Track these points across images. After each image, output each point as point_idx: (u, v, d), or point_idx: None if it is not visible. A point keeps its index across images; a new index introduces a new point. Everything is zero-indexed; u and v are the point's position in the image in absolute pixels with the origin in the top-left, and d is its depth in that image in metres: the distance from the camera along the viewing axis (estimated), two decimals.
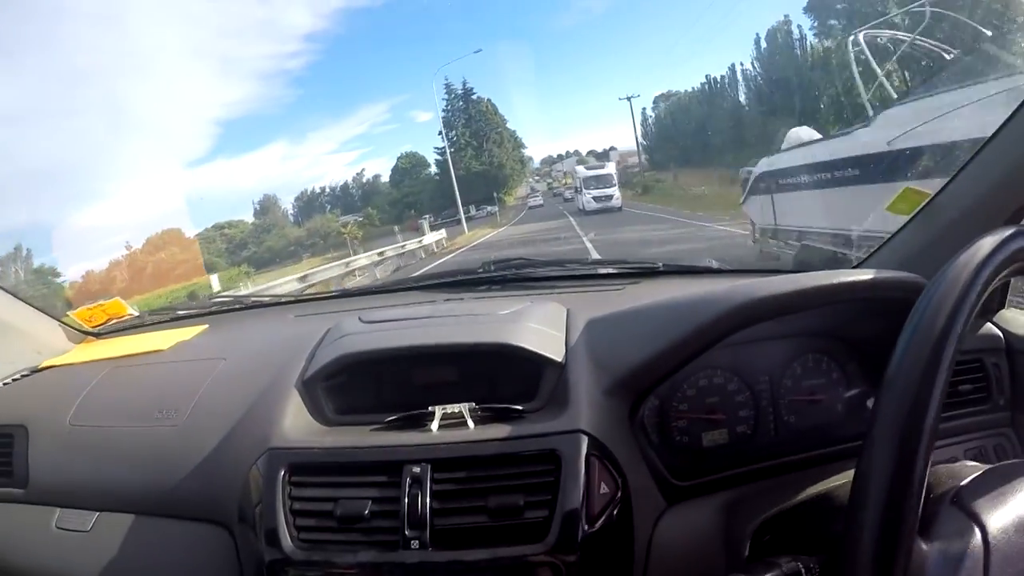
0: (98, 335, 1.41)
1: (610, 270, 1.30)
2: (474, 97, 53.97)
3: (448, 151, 50.84)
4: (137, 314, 1.45)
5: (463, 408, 0.85)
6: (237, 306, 1.49)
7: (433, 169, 53.00)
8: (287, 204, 63.44)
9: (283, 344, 1.07)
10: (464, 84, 54.10)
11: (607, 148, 60.59)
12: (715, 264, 1.35)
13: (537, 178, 64.46)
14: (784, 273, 0.93)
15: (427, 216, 45.12)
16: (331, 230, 53.48)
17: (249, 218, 55.08)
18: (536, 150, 63.36)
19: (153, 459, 0.96)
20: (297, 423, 0.89)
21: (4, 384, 1.22)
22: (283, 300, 1.48)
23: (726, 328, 0.80)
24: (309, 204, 67.03)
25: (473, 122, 52.95)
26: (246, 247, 56.41)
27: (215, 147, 65.89)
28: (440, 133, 53.17)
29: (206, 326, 1.32)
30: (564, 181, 56.64)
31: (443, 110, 53.58)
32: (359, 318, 1.06)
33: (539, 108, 77.18)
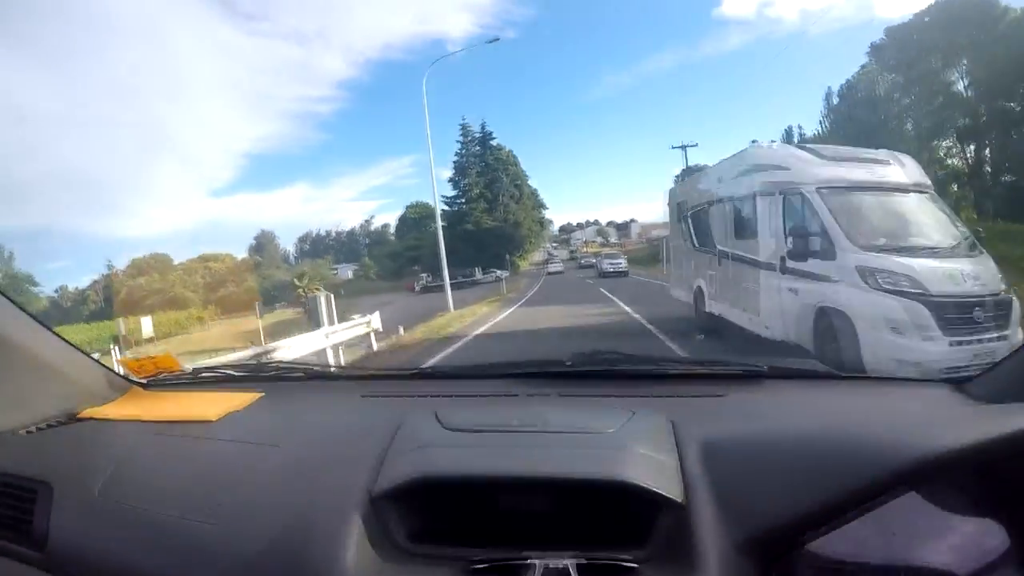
0: (145, 386, 1.34)
1: (709, 371, 1.17)
2: (493, 143, 47.79)
3: (442, 207, 44.92)
4: (189, 370, 1.39)
5: (569, 565, 0.74)
6: (298, 375, 1.38)
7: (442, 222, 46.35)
8: (289, 244, 60.63)
9: (347, 437, 0.98)
10: (483, 127, 48.08)
11: (628, 220, 60.55)
12: (821, 367, 1.24)
13: (555, 244, 62.64)
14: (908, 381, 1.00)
15: (424, 275, 38.28)
16: (320, 276, 49.99)
17: (242, 253, 53.15)
18: (554, 217, 60.11)
19: (183, 560, 0.85)
20: (363, 555, 0.78)
21: (37, 429, 1.14)
22: (348, 374, 1.42)
23: (892, 489, 0.75)
24: (314, 246, 62.89)
25: (489, 171, 46.61)
26: (224, 285, 51.86)
27: (239, 179, 68.29)
28: (451, 180, 46.59)
29: (261, 395, 1.22)
30: (584, 249, 54.74)
31: (456, 154, 47.38)
32: (437, 417, 0.95)
33: (562, 172, 77.18)
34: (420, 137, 61.19)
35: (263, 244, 59.33)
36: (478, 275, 39.61)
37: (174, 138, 60.49)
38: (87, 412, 1.20)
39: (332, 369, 1.50)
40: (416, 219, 51.65)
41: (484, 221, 44.57)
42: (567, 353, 1.26)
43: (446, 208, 46.22)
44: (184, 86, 62.84)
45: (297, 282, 40.71)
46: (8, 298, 1.06)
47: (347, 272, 54.60)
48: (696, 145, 30.67)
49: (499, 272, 40.36)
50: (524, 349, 7.88)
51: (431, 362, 4.74)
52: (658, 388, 1.11)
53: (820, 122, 27.60)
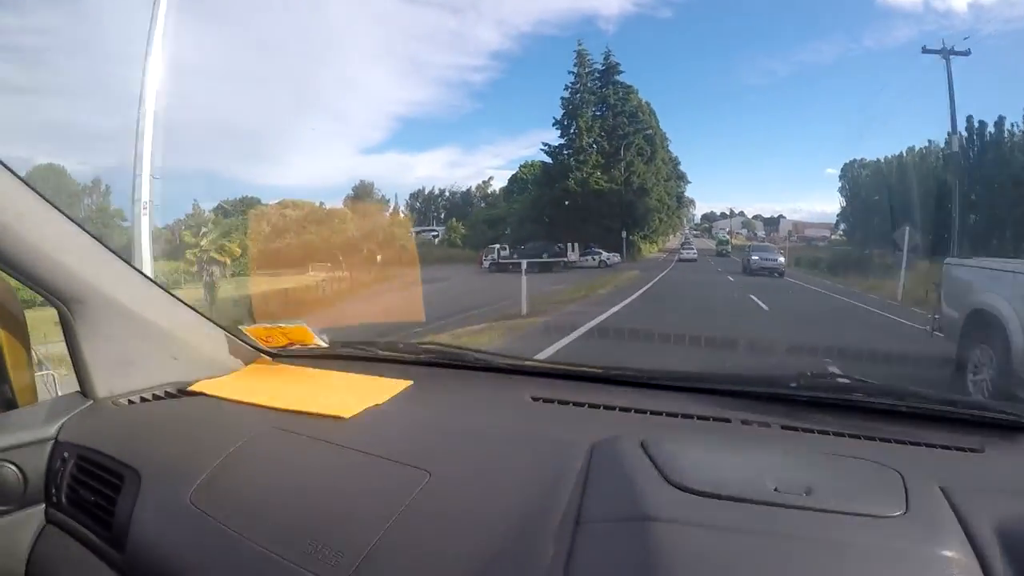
0: (273, 356, 1.24)
1: (963, 413, 0.95)
2: (619, 79, 34.66)
3: (542, 159, 33.62)
4: (327, 344, 1.26)
5: None
6: (456, 362, 1.21)
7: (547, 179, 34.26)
8: (400, 200, 55.83)
9: (521, 460, 0.78)
10: (607, 56, 34.91)
11: (776, 215, 57.60)
12: None
13: (696, 232, 59.71)
14: None
15: (496, 247, 27.53)
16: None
17: (337, 203, 48.68)
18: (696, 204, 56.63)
19: None
20: None
21: (141, 400, 1.04)
22: (515, 366, 1.16)
23: None
24: (426, 204, 57.69)
25: (611, 114, 33.92)
26: (284, 235, 47.07)
27: (390, 140, 71.32)
28: (556, 122, 34.46)
29: (408, 383, 1.06)
30: (733, 240, 49.63)
31: (566, 88, 34.91)
32: (648, 453, 0.73)
33: (706, 159, 73.51)
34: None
35: (360, 196, 52.71)
36: (571, 255, 27.72)
37: (327, 97, 61.93)
38: (200, 385, 1.08)
39: (497, 358, 1.13)
40: (526, 179, 41.27)
41: (595, 180, 32.24)
42: (788, 369, 1.06)
43: (547, 161, 34.46)
44: (340, 49, 62.93)
45: None
46: (119, 256, 0.98)
47: (430, 235, 47.10)
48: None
49: (607, 255, 28.08)
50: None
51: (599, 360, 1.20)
52: (892, 427, 0.91)
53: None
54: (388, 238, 43.81)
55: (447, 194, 54.55)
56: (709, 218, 65.18)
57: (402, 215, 49.09)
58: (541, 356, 5.49)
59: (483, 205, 53.72)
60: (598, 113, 33.99)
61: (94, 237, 0.96)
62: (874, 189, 33.22)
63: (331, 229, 46.28)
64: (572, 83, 33.93)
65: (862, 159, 37.64)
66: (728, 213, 62.96)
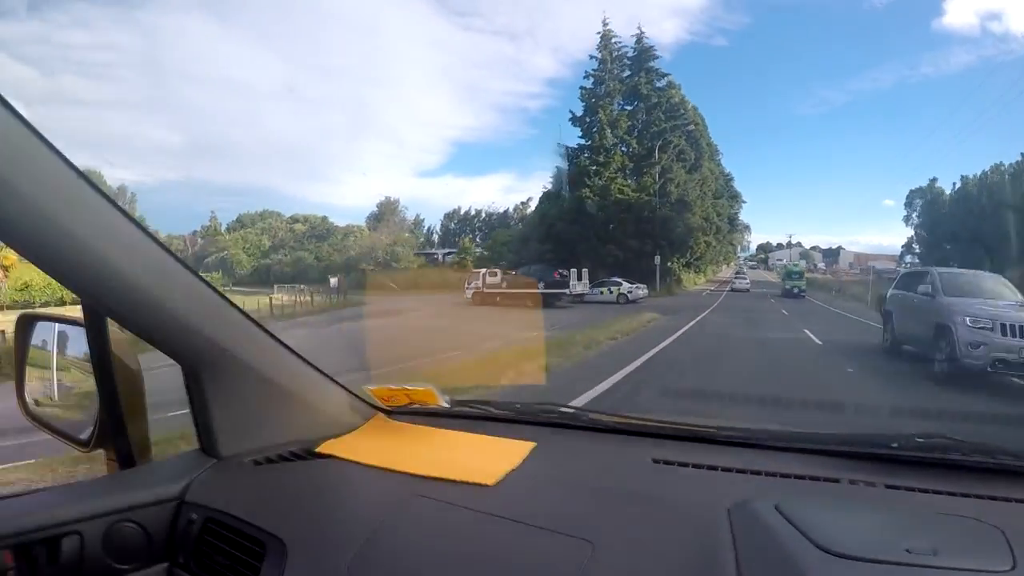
0: (389, 413, 1.24)
1: None
2: (653, 65, 27.67)
3: (558, 165, 27.11)
4: (447, 404, 1.25)
5: None
6: (573, 423, 1.23)
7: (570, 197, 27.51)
8: (434, 221, 53.72)
9: (669, 526, 0.78)
10: (639, 38, 28.06)
11: (835, 247, 57.12)
12: None
13: (753, 263, 58.21)
14: None
15: (483, 272, 21.15)
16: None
17: (360, 222, 49.26)
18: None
19: None
20: None
21: (266, 460, 1.02)
22: (636, 427, 1.18)
23: None
24: (461, 225, 53.63)
25: (644, 108, 27.00)
26: (280, 250, 44.33)
27: (446, 163, 74.17)
28: (574, 118, 27.70)
29: (533, 445, 1.06)
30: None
31: (587, 75, 28.15)
32: (780, 510, 0.76)
33: (761, 189, 74.87)
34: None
35: (383, 213, 50.36)
36: (576, 285, 20.63)
37: (384, 120, 67.19)
38: (328, 446, 1.06)
39: (612, 419, 1.17)
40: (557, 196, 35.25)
41: (619, 187, 25.32)
42: (888, 429, 1.16)
43: (560, 166, 27.72)
44: (397, 74, 66.51)
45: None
46: (242, 312, 0.99)
47: (439, 256, 42.51)
48: None
49: (629, 286, 20.94)
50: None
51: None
52: (988, 484, 0.92)
53: None
54: (391, 257, 39.52)
55: (483, 214, 50.93)
56: (765, 248, 64.40)
57: (407, 235, 46.01)
58: None
59: (519, 226, 48.52)
60: (626, 106, 27.23)
61: (220, 295, 0.94)
62: (951, 216, 32.37)
63: (332, 246, 43.65)
64: (595, 69, 27.37)
65: (932, 183, 36.79)
66: (787, 244, 61.31)
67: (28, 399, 1.08)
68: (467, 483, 0.90)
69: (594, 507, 0.84)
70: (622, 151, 26.31)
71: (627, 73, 27.23)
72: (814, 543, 0.68)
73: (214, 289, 0.93)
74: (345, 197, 72.75)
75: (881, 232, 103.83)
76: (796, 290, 24.92)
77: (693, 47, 53.45)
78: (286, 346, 1.06)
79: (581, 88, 27.54)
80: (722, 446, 1.06)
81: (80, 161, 0.71)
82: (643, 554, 0.71)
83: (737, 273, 37.93)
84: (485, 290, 20.16)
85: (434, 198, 79.56)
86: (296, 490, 0.95)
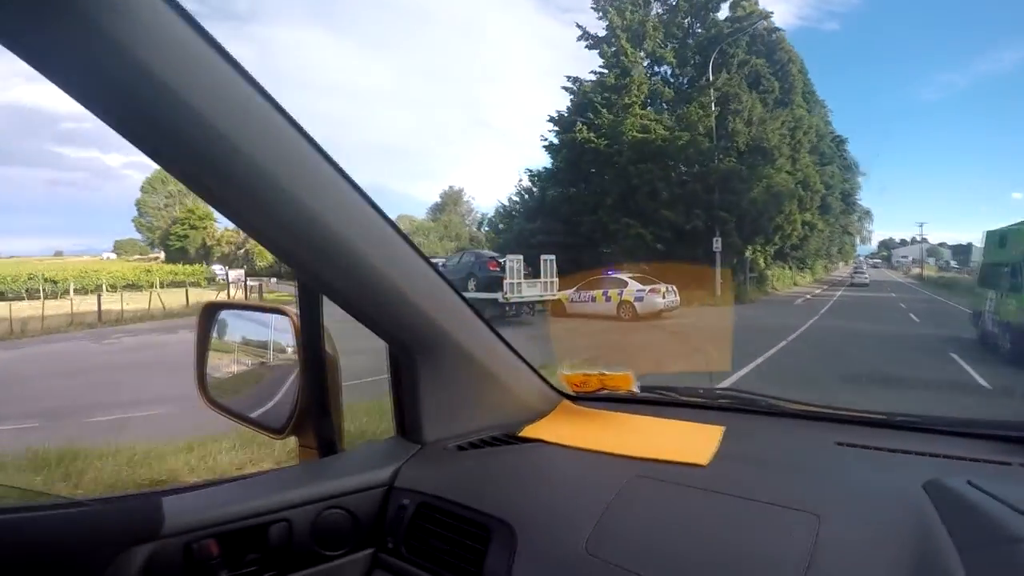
0: (574, 399, 1.25)
1: None
2: None
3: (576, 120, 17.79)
4: (637, 390, 1.26)
5: None
6: (755, 408, 1.24)
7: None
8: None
9: (873, 502, 0.79)
10: None
11: (966, 243, 52.92)
12: None
13: (875, 261, 55.72)
14: None
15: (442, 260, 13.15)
16: None
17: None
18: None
19: None
20: None
21: (470, 445, 1.03)
22: (817, 413, 1.18)
23: None
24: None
25: (688, 7, 17.29)
26: None
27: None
28: (584, 35, 18.55)
29: (723, 428, 1.07)
30: (916, 270, 44.23)
31: None
32: (975, 485, 0.77)
33: (879, 180, 68.65)
34: None
35: (446, 204, 46.99)
36: (520, 286, 11.55)
37: (493, 119, 69.51)
38: (530, 430, 1.09)
39: (792, 404, 1.18)
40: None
41: (634, 122, 15.84)
42: None
43: (582, 120, 18.53)
44: (504, 72, 69.15)
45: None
46: (458, 293, 0.99)
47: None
48: None
49: (640, 290, 11.71)
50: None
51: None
52: None
53: None
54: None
55: None
56: (887, 245, 61.85)
57: (466, 228, 42.36)
58: None
59: None
60: (663, 11, 17.66)
61: (439, 274, 0.94)
62: None
63: None
64: None
65: None
66: (913, 239, 56.72)
67: (209, 387, 1.08)
68: (681, 463, 0.92)
69: (801, 483, 0.86)
70: (652, 74, 16.84)
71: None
72: (1020, 512, 0.69)
73: (434, 268, 0.92)
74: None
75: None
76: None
77: (803, 33, 51.07)
78: (494, 331, 1.07)
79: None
80: (895, 430, 1.07)
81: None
82: (862, 526, 0.73)
83: (856, 270, 33.74)
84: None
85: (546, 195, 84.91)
86: (513, 474, 0.96)
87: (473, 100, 69.36)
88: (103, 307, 17.44)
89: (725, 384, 5.38)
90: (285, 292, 25.83)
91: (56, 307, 18.13)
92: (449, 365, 1.01)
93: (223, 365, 1.12)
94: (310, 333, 0.95)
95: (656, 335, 8.63)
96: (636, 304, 11.17)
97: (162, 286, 27.71)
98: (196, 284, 28.37)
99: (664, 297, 11.40)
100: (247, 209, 0.70)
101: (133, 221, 45.99)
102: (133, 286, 28.48)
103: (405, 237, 0.86)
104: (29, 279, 26.90)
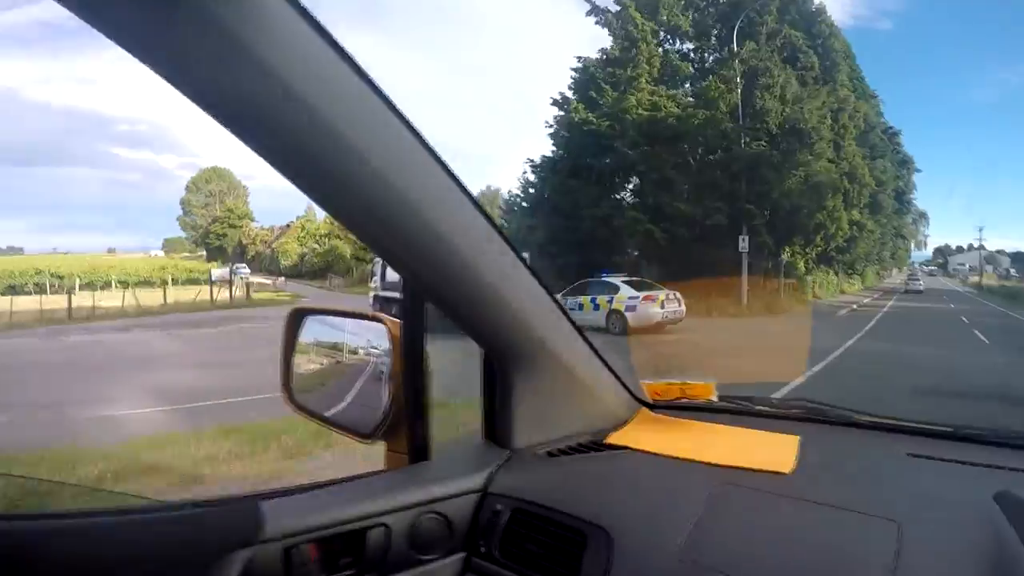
0: (652, 407, 1.26)
1: None
2: None
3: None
4: (716, 399, 1.30)
5: None
6: (827, 418, 1.26)
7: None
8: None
9: (946, 512, 0.82)
10: None
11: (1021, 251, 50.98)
12: None
13: (932, 269, 55.22)
14: None
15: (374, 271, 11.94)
16: None
17: None
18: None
19: None
20: None
21: (559, 451, 1.05)
22: (887, 424, 1.20)
23: None
24: None
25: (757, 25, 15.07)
26: (312, 241, 40.83)
27: None
28: (594, 8, 16.47)
29: (798, 438, 1.08)
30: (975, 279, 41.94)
31: None
32: None
33: (934, 184, 69.58)
34: None
35: (483, 203, 47.14)
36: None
37: (533, 117, 65.18)
38: (615, 437, 1.10)
39: (863, 416, 1.19)
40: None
41: (640, 98, 13.70)
42: None
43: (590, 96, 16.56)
44: (551, 73, 67.14)
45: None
46: (553, 298, 0.98)
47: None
48: None
49: (633, 297, 9.66)
50: None
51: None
52: None
53: None
54: None
55: None
56: (943, 252, 60.13)
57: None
58: None
59: None
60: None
61: (537, 279, 0.94)
62: None
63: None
64: None
65: None
66: (970, 247, 53.46)
67: (294, 390, 1.12)
68: (766, 471, 0.94)
69: (879, 492, 0.89)
70: (668, 48, 14.66)
71: None
72: None
73: (533, 273, 0.93)
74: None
75: None
76: None
77: (856, 33, 48.25)
78: (585, 337, 1.07)
79: None
80: (964, 443, 1.09)
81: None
82: (940, 534, 0.76)
83: (910, 276, 33.03)
84: (382, 293, 10.96)
85: None
86: (604, 480, 0.98)
87: (512, 98, 69.31)
88: (102, 305, 17.64)
89: None
90: (289, 292, 25.36)
91: (53, 302, 18.17)
92: (543, 373, 1.02)
93: (307, 369, 1.14)
94: (413, 340, 0.96)
95: (636, 356, 6.63)
96: (627, 315, 9.10)
97: (179, 283, 28.26)
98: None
99: (663, 307, 9.36)
100: (370, 221, 0.72)
101: (177, 220, 46.59)
102: (146, 283, 28.77)
103: (513, 247, 0.86)
104: (37, 274, 27.13)
